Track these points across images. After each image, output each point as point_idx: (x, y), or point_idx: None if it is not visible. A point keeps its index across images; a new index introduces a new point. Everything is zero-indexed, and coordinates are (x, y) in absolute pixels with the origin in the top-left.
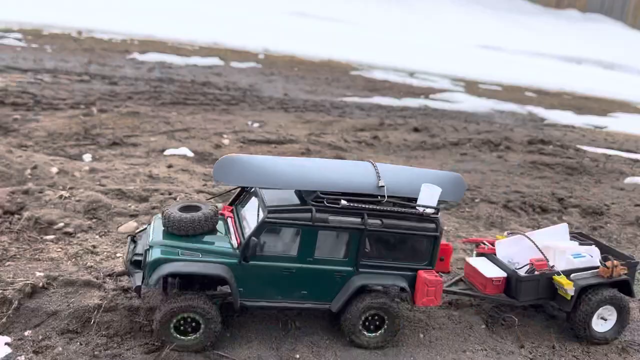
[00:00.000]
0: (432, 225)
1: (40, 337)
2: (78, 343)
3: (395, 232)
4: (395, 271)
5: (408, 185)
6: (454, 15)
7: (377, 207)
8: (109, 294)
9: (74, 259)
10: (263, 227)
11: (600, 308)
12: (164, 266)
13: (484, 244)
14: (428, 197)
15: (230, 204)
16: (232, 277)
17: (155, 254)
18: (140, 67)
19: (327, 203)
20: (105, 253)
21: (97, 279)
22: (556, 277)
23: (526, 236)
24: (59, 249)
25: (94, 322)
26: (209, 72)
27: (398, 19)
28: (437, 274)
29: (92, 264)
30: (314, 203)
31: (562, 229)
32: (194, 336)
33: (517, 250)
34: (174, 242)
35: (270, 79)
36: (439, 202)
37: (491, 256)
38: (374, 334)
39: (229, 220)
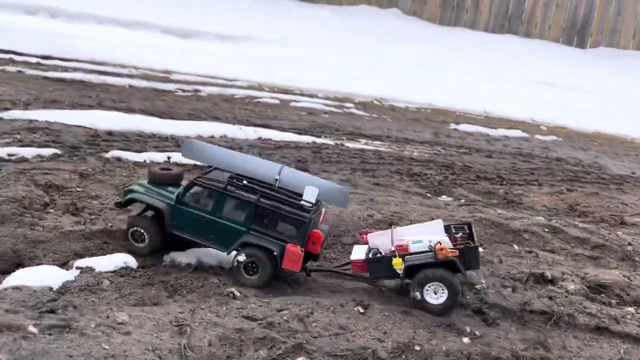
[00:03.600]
0: (306, 214)
1: None
2: None
3: (278, 211)
4: (274, 239)
5: (300, 184)
6: None
7: (268, 192)
8: None
9: None
10: (191, 186)
11: (429, 283)
12: (130, 195)
13: (366, 236)
14: (309, 194)
15: None
16: (169, 212)
17: (130, 187)
18: (464, 137)
19: (236, 181)
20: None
21: None
22: (394, 259)
23: (392, 230)
24: None
25: None
26: (535, 146)
27: None
28: (301, 249)
29: None
30: (228, 179)
31: (437, 224)
32: (143, 244)
33: (383, 240)
34: (148, 186)
35: (595, 154)
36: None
37: (367, 245)
38: (252, 277)
39: None
